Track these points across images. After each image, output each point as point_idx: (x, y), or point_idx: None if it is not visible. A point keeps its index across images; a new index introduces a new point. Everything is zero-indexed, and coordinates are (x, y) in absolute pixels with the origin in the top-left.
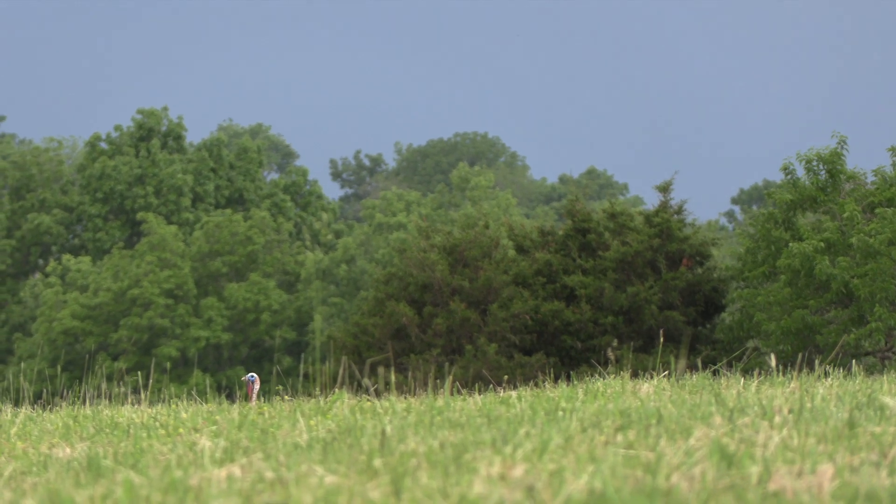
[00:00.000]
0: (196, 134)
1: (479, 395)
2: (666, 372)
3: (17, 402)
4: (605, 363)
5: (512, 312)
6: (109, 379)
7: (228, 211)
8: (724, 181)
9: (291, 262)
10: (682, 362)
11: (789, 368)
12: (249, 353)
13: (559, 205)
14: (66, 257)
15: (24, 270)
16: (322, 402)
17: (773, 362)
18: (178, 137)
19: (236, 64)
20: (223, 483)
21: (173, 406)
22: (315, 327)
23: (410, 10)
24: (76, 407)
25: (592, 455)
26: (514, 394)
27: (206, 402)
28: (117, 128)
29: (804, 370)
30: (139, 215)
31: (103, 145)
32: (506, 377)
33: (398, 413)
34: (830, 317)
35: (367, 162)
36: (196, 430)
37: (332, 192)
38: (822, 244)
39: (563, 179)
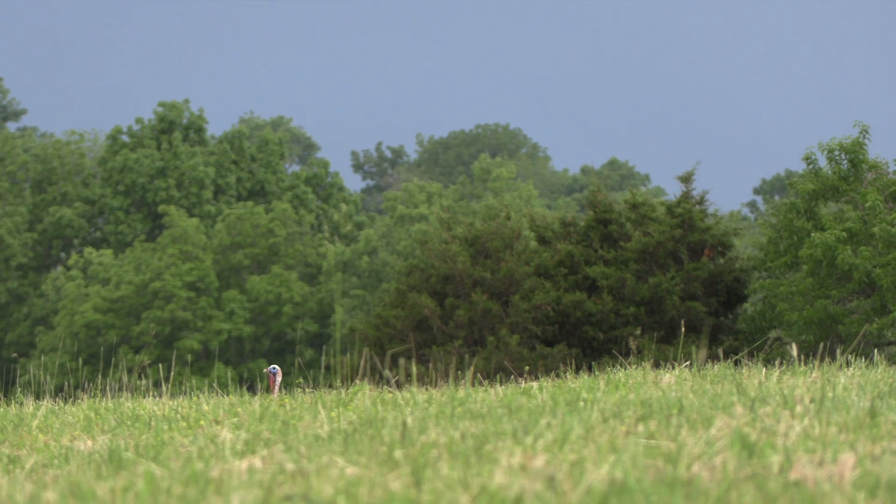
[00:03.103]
0: (217, 126)
1: (501, 386)
2: (687, 362)
3: (38, 396)
4: (627, 354)
5: (534, 304)
6: (131, 372)
7: (250, 203)
8: (747, 171)
9: (313, 254)
10: (704, 352)
11: (811, 358)
12: (271, 345)
13: (581, 196)
14: (87, 250)
15: (46, 264)
16: (343, 394)
17: (795, 352)
18: (200, 130)
19: (257, 56)
20: (244, 475)
21: (195, 398)
22: (337, 319)
23: (432, 1)
24: (97, 399)
25: (613, 445)
26: (535, 385)
27: (228, 395)
28: (139, 120)
29: (826, 360)
30: (161, 208)
31: (125, 138)
32: (527, 368)
33: (419, 404)
34: (852, 306)
35: (388, 154)
36: (217, 423)
37: (354, 184)
38: (844, 234)
39: (585, 170)
